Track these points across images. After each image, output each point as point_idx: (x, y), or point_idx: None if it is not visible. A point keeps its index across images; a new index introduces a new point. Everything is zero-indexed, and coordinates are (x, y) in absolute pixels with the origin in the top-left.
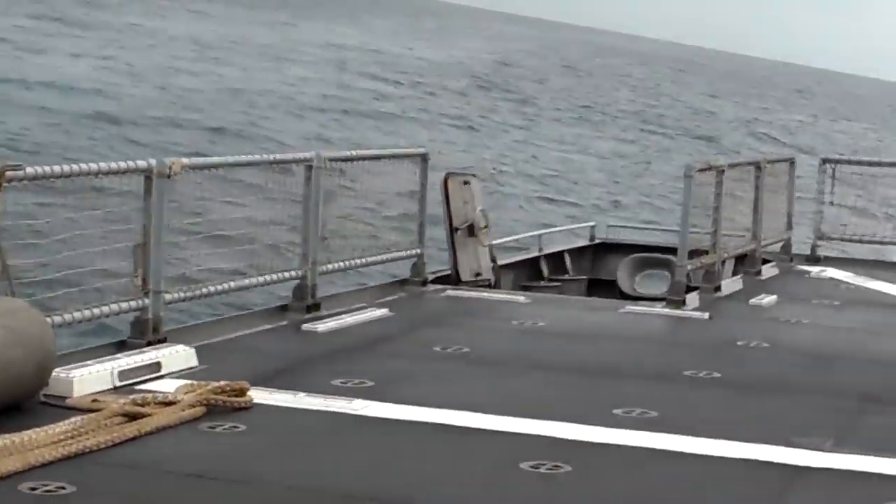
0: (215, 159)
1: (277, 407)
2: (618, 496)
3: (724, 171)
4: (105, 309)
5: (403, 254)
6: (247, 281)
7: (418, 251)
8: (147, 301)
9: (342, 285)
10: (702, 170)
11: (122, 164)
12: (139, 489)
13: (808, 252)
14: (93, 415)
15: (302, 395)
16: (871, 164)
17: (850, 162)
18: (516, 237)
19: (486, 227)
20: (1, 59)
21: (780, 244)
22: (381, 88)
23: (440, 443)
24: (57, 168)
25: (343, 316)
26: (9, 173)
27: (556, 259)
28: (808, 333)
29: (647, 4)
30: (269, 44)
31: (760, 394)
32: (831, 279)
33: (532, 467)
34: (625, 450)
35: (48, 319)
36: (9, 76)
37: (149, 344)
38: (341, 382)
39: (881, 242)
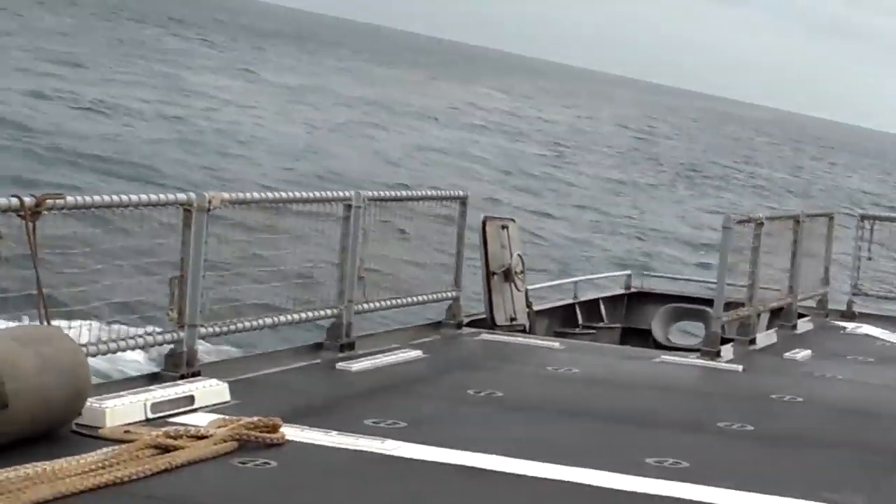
0: (256, 195)
1: (309, 444)
2: None
3: (762, 223)
4: (140, 340)
5: (439, 296)
6: (282, 317)
7: (454, 294)
8: (182, 334)
9: (377, 325)
10: (741, 221)
11: (163, 197)
12: None
13: (843, 308)
14: (125, 446)
15: (334, 433)
16: None
17: (889, 219)
18: (551, 283)
19: (522, 271)
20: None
21: (817, 299)
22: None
23: (471, 486)
24: (97, 198)
25: (377, 356)
26: (48, 202)
27: (590, 306)
28: (842, 389)
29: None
30: (427, 105)
31: (793, 448)
32: (867, 335)
33: None
34: (656, 499)
35: (83, 349)
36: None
37: (182, 377)
38: (374, 422)
39: None
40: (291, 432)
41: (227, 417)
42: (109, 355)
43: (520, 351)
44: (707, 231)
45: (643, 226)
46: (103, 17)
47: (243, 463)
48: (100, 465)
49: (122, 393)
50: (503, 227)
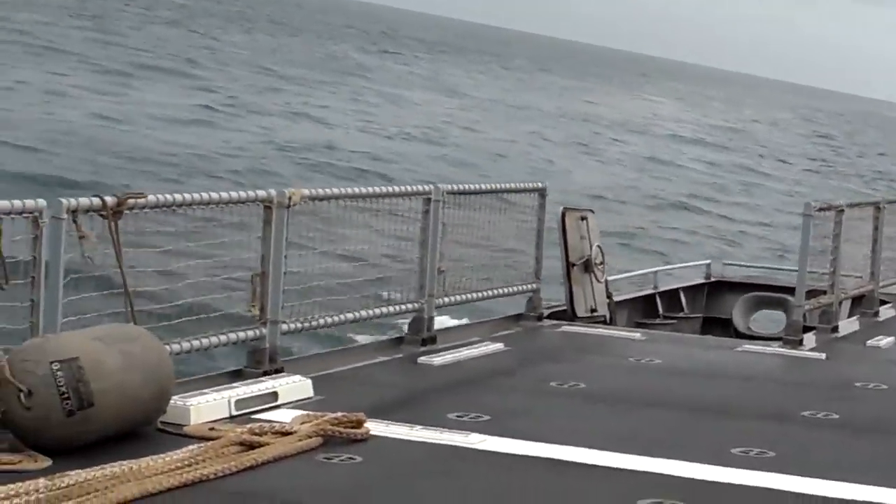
0: (335, 190)
1: (393, 439)
2: None
3: (843, 210)
4: (223, 338)
5: (519, 288)
6: (363, 312)
7: (534, 286)
8: (264, 331)
9: (456, 318)
10: (821, 209)
11: (243, 194)
12: None
13: None
14: (210, 443)
15: (418, 427)
16: None
17: None
18: (632, 273)
19: (601, 262)
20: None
21: None
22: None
23: (556, 478)
24: (178, 196)
25: (459, 350)
26: (130, 200)
27: (671, 296)
28: None
29: None
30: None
31: (878, 436)
32: None
33: None
34: (742, 489)
35: (167, 347)
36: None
37: (265, 374)
38: (457, 416)
39: None
40: (375, 427)
41: (311, 413)
42: (193, 353)
43: (601, 342)
44: None
45: None
46: (268, 31)
47: (328, 459)
48: (185, 462)
49: (205, 391)
50: (582, 218)
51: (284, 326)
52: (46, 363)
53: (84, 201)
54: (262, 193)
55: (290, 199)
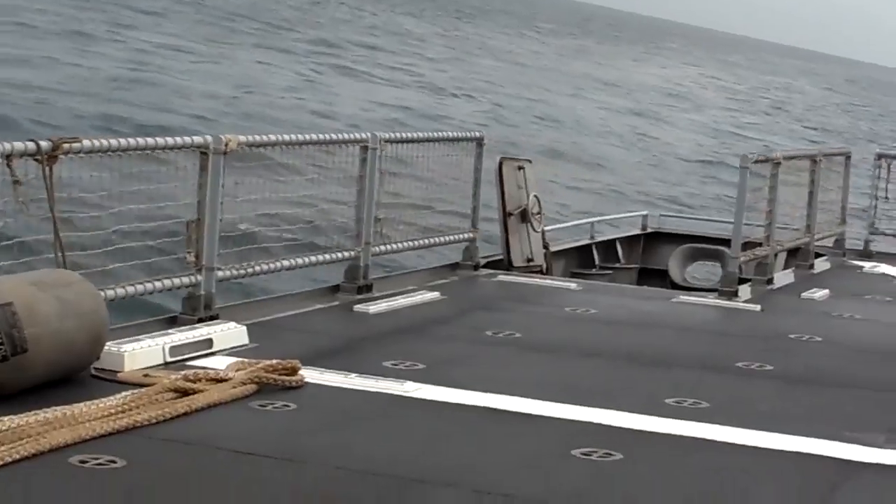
0: (271, 137)
1: (329, 387)
2: (669, 485)
3: (779, 163)
4: (158, 284)
5: (456, 237)
6: (299, 260)
7: (471, 235)
8: (200, 278)
9: (393, 267)
10: (758, 161)
11: (179, 140)
12: (189, 465)
13: (860, 247)
14: (144, 389)
15: (353, 375)
16: None
17: None
18: (568, 224)
19: (538, 212)
20: None
21: (834, 238)
22: None
23: (490, 427)
24: (114, 142)
25: (395, 298)
26: (65, 146)
27: (607, 247)
28: (860, 328)
29: None
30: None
31: (813, 387)
32: (884, 275)
33: (583, 455)
34: (676, 439)
35: (101, 293)
36: None
37: (200, 321)
38: (392, 364)
39: None
40: (310, 375)
41: (245, 360)
42: (127, 299)
43: (537, 292)
44: None
45: None
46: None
47: (263, 406)
48: (119, 408)
49: (140, 337)
50: (519, 167)
51: (220, 273)
52: None
53: (19, 145)
54: (197, 139)
55: (226, 145)
